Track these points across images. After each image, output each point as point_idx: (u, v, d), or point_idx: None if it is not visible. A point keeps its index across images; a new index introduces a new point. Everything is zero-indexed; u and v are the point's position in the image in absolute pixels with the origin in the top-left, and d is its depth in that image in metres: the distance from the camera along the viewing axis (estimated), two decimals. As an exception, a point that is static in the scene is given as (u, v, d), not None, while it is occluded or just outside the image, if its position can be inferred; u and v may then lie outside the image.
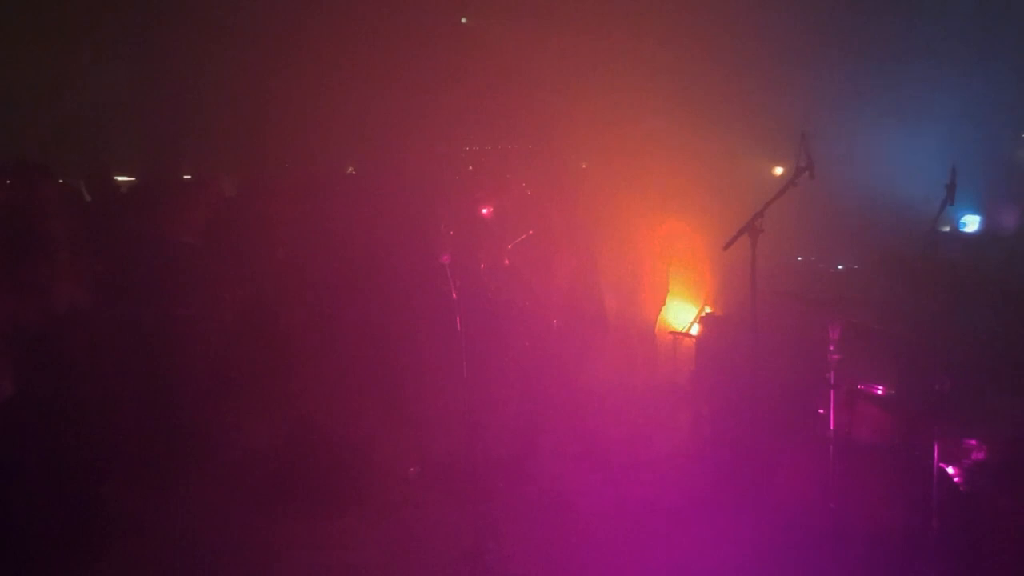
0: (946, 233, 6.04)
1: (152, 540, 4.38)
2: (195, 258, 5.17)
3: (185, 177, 6.42)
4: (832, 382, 4.50)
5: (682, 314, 7.29)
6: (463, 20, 8.89)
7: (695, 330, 6.81)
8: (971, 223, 6.57)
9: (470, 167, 8.00)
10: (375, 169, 7.16)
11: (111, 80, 7.81)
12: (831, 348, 4.44)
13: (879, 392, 4.53)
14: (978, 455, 4.14)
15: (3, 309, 4.03)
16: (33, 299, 4.21)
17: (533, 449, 5.51)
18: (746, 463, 4.74)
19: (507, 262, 5.94)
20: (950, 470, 4.11)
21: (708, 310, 6.91)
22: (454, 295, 5.01)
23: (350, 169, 7.67)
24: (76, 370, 4.37)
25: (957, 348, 4.38)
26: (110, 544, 4.26)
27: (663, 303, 7.29)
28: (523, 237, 6.04)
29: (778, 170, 7.47)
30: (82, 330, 4.43)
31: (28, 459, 3.92)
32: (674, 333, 7.04)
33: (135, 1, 7.88)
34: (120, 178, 6.88)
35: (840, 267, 6.49)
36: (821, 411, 4.62)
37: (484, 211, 6.07)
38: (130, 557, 4.24)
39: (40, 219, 4.44)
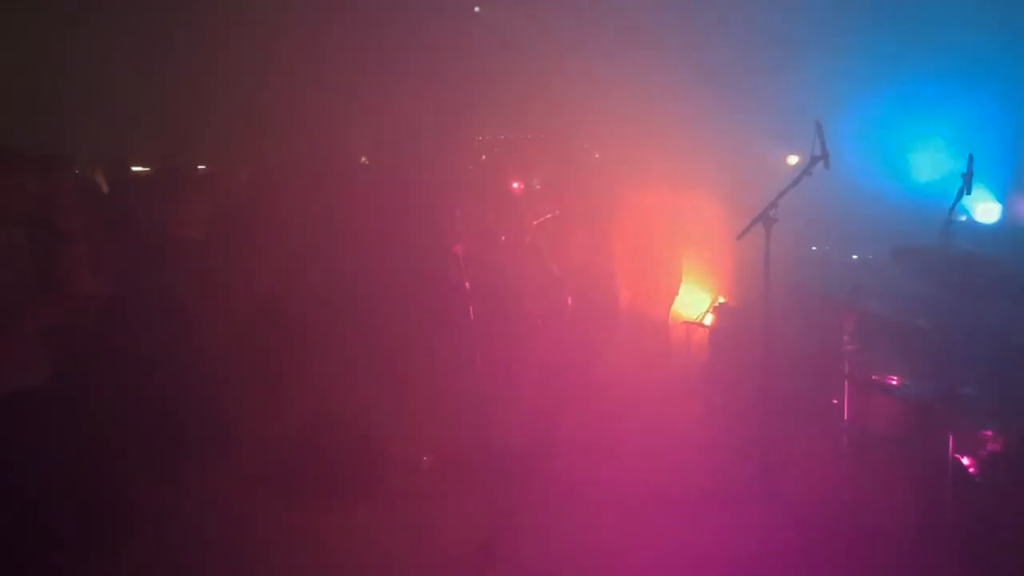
0: (963, 222, 5.97)
1: (168, 531, 4.43)
2: (208, 250, 5.21)
3: (199, 167, 6.44)
4: (847, 373, 4.49)
5: (695, 304, 7.26)
6: (476, 9, 8.87)
7: (708, 320, 6.80)
8: (991, 212, 6.49)
9: (483, 156, 7.99)
10: (388, 159, 7.16)
11: (127, 71, 7.85)
12: (846, 339, 4.42)
13: (894, 383, 4.50)
14: (993, 446, 4.12)
15: (25, 302, 4.07)
16: (53, 292, 4.26)
17: (546, 439, 5.52)
18: (760, 454, 4.74)
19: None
20: (965, 461, 4.09)
21: (722, 300, 6.88)
22: (467, 285, 5.01)
23: (363, 159, 7.68)
24: (94, 363, 4.41)
25: (972, 338, 4.34)
26: (129, 535, 4.32)
27: (676, 293, 7.28)
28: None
29: (792, 159, 7.41)
30: (100, 323, 4.48)
31: (46, 451, 3.96)
32: (687, 323, 7.02)
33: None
34: (137, 169, 6.91)
35: (855, 257, 6.44)
36: (835, 402, 4.60)
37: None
38: (147, 548, 4.29)
39: (59, 212, 4.48)
